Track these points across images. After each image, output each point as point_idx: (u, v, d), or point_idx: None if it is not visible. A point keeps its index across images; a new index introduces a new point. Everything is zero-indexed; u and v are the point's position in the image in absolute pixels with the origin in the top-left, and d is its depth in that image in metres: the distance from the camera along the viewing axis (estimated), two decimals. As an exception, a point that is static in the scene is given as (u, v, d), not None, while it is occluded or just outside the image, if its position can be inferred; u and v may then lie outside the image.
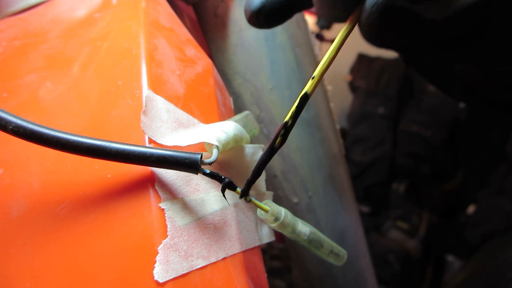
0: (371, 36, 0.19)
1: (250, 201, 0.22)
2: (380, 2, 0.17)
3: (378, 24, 0.18)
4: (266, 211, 0.23)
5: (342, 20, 0.20)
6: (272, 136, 0.20)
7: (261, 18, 0.25)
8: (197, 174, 0.21)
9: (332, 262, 0.28)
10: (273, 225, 0.24)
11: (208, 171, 0.21)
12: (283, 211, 0.24)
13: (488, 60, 0.22)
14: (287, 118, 0.20)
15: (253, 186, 0.27)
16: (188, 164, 0.20)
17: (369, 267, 0.53)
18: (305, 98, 0.20)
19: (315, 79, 0.19)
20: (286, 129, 0.20)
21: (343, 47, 0.20)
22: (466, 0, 0.17)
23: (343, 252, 0.28)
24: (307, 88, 0.19)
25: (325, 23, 1.32)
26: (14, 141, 0.20)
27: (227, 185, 0.21)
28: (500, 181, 1.00)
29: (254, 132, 0.29)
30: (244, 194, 0.22)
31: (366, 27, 0.19)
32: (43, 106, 0.25)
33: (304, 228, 0.25)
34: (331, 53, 0.20)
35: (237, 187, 0.22)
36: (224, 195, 0.22)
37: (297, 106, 0.20)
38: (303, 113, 0.44)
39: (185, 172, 0.21)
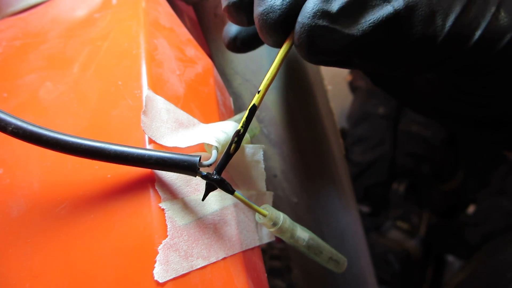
0: (305, 54, 0.21)
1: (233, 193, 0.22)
2: (306, 23, 0.20)
3: (307, 43, 0.20)
4: (264, 215, 0.23)
5: (281, 45, 0.22)
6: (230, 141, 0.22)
7: (237, 44, 0.30)
8: (195, 176, 0.21)
9: (331, 269, 0.27)
10: (271, 229, 0.24)
11: (205, 174, 0.21)
12: (281, 216, 0.24)
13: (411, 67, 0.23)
14: (239, 127, 0.22)
15: (253, 186, 0.27)
16: (186, 166, 0.20)
17: (369, 267, 0.53)
18: (254, 109, 0.22)
19: (261, 93, 0.22)
20: (239, 136, 0.22)
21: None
22: (373, 19, 0.20)
23: (343, 259, 0.28)
24: (255, 100, 0.22)
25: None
26: (14, 141, 0.20)
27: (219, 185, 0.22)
28: (500, 181, 1.00)
29: (254, 132, 0.29)
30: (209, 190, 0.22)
31: (300, 47, 0.21)
32: (43, 106, 0.25)
33: (303, 233, 0.25)
34: (272, 70, 0.22)
35: (235, 190, 0.22)
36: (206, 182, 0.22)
37: (247, 117, 0.22)
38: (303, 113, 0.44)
39: (184, 174, 0.21)
